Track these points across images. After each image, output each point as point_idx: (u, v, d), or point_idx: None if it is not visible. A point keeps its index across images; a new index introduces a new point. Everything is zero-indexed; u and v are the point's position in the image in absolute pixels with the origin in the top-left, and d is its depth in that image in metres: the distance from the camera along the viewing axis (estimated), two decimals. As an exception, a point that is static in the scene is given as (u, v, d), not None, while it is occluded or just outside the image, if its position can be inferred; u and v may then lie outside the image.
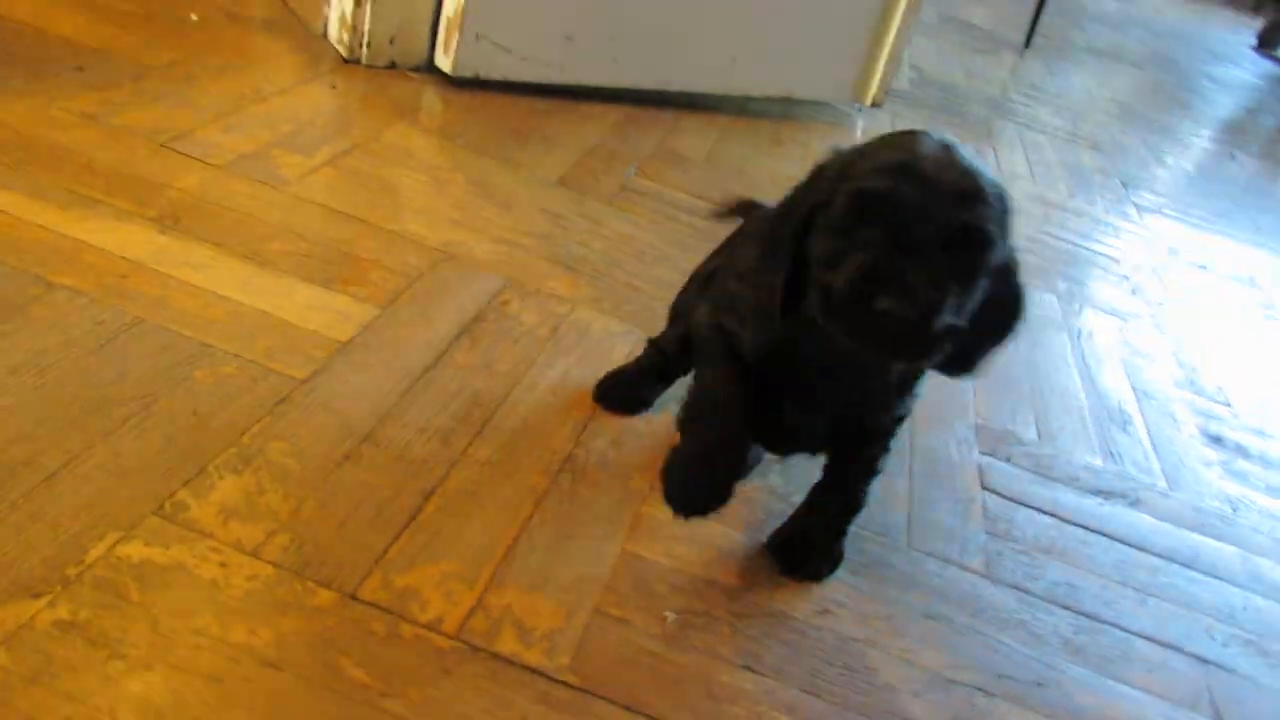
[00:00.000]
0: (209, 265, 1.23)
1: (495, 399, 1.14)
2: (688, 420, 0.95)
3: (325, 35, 1.98)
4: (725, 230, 1.15)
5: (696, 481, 0.91)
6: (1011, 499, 1.25)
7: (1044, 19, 4.31)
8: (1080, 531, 1.24)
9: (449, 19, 1.88)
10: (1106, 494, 1.32)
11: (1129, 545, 1.24)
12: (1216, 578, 1.23)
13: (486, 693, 0.82)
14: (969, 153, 0.79)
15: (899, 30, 2.34)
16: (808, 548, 1.02)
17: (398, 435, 1.05)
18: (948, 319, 0.75)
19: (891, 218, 0.74)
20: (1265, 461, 1.51)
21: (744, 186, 1.82)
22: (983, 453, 1.33)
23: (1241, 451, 1.52)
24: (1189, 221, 2.53)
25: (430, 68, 1.96)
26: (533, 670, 0.85)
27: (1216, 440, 1.53)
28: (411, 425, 1.07)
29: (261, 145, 1.53)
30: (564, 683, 0.85)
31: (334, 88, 1.80)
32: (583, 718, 0.83)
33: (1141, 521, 1.29)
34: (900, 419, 0.97)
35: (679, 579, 0.99)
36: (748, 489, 1.13)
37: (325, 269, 1.28)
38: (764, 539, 1.06)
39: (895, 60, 2.41)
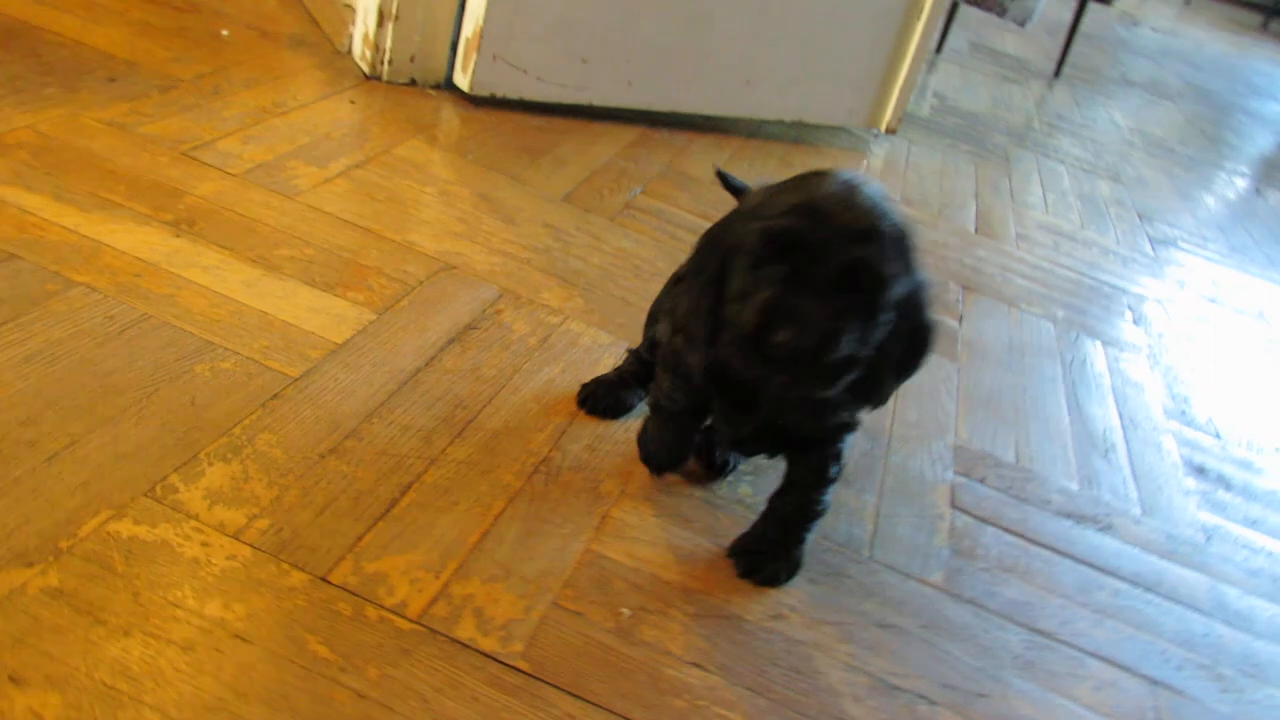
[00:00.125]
0: (218, 268, 1.30)
1: (479, 402, 1.20)
2: (653, 406, 1.10)
3: (349, 53, 2.05)
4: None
5: (661, 447, 1.08)
6: (980, 518, 1.29)
7: (1079, 50, 4.34)
8: (1046, 552, 1.27)
9: (468, 39, 1.95)
10: (1078, 518, 1.35)
11: (1094, 568, 1.27)
12: (1180, 603, 1.26)
13: (440, 673, 0.88)
14: (873, 191, 0.84)
15: (913, 58, 2.39)
16: (765, 553, 1.07)
17: (381, 432, 1.11)
18: (845, 349, 0.81)
19: (793, 256, 0.81)
20: (1247, 493, 1.53)
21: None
22: (958, 473, 1.36)
23: (1223, 482, 1.54)
24: (1203, 255, 2.54)
25: (449, 86, 2.03)
26: (486, 655, 0.90)
27: (1199, 471, 1.56)
28: (396, 423, 1.13)
29: (278, 156, 1.61)
30: (515, 668, 0.90)
31: (353, 103, 1.87)
32: (529, 701, 0.88)
33: (1109, 545, 1.32)
34: (843, 426, 1.01)
35: (639, 578, 1.03)
36: (716, 497, 1.17)
37: (328, 274, 1.34)
38: (728, 545, 1.10)
39: (910, 87, 2.45)
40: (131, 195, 1.39)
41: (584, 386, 1.25)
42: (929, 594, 1.14)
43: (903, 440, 1.38)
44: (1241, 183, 3.39)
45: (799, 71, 2.28)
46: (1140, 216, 2.68)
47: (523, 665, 0.91)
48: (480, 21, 1.92)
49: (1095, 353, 1.82)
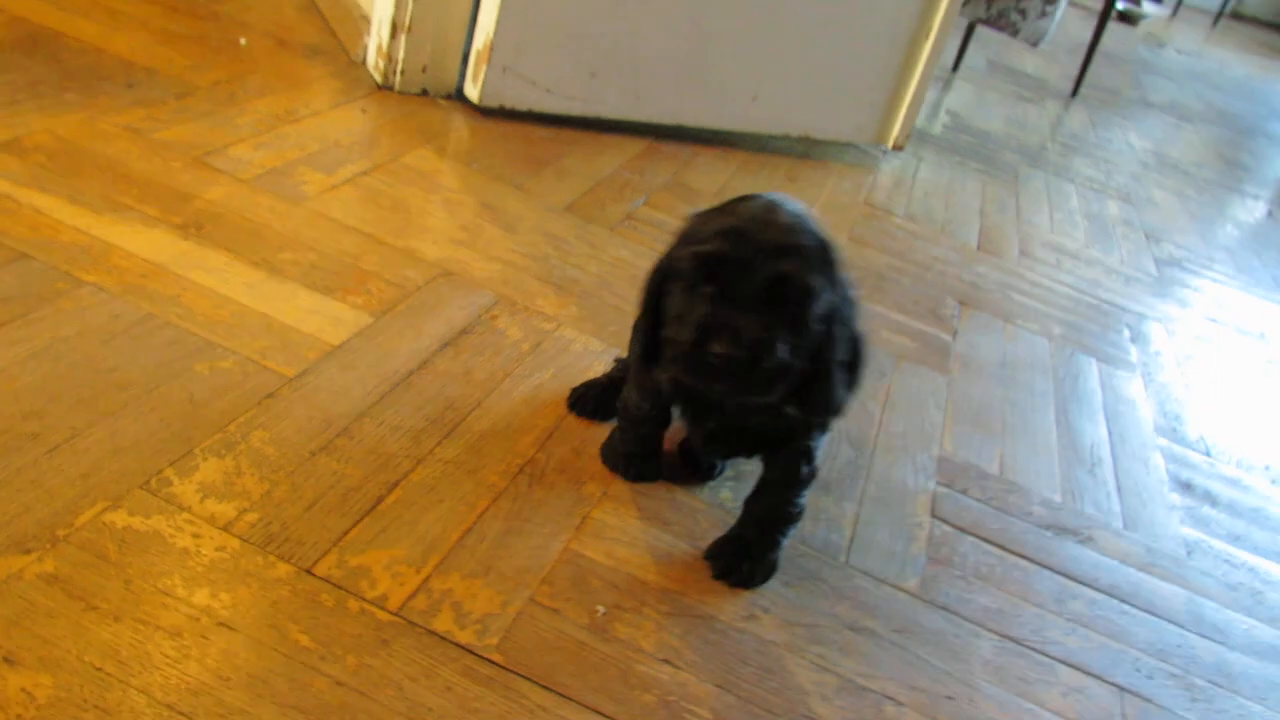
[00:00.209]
0: (222, 270, 1.34)
1: (469, 404, 1.24)
2: (621, 411, 1.17)
3: (364, 63, 2.10)
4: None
5: (625, 456, 1.17)
6: (959, 527, 1.31)
7: (1100, 71, 4.36)
8: (1023, 562, 1.29)
9: (478, 51, 2.00)
10: (1058, 529, 1.37)
11: (1070, 578, 1.29)
12: (1155, 615, 1.28)
13: (416, 663, 0.91)
14: (794, 210, 0.90)
15: (921, 76, 2.42)
16: (740, 555, 1.10)
17: (372, 431, 1.15)
18: (778, 357, 0.87)
19: (722, 275, 0.87)
20: (1233, 510, 1.55)
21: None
22: (940, 483, 1.39)
23: (1209, 498, 1.56)
24: (1209, 276, 2.55)
25: (460, 96, 2.08)
26: (462, 647, 0.94)
27: (1186, 487, 1.57)
28: (387, 423, 1.17)
29: (288, 162, 1.65)
30: (489, 660, 0.93)
31: (364, 111, 1.92)
32: (501, 692, 0.91)
33: (1088, 557, 1.34)
34: (809, 424, 1.04)
35: (615, 577, 1.07)
36: (697, 501, 1.20)
37: (328, 278, 1.38)
38: (705, 548, 1.13)
39: (918, 104, 2.48)
40: (143, 198, 1.44)
41: (574, 390, 1.28)
42: (903, 599, 1.17)
43: (887, 450, 1.41)
44: (1255, 205, 3.39)
45: (806, 88, 2.32)
46: (1147, 237, 2.69)
47: (497, 658, 0.94)
48: (491, 34, 1.97)
49: (1089, 369, 1.84)
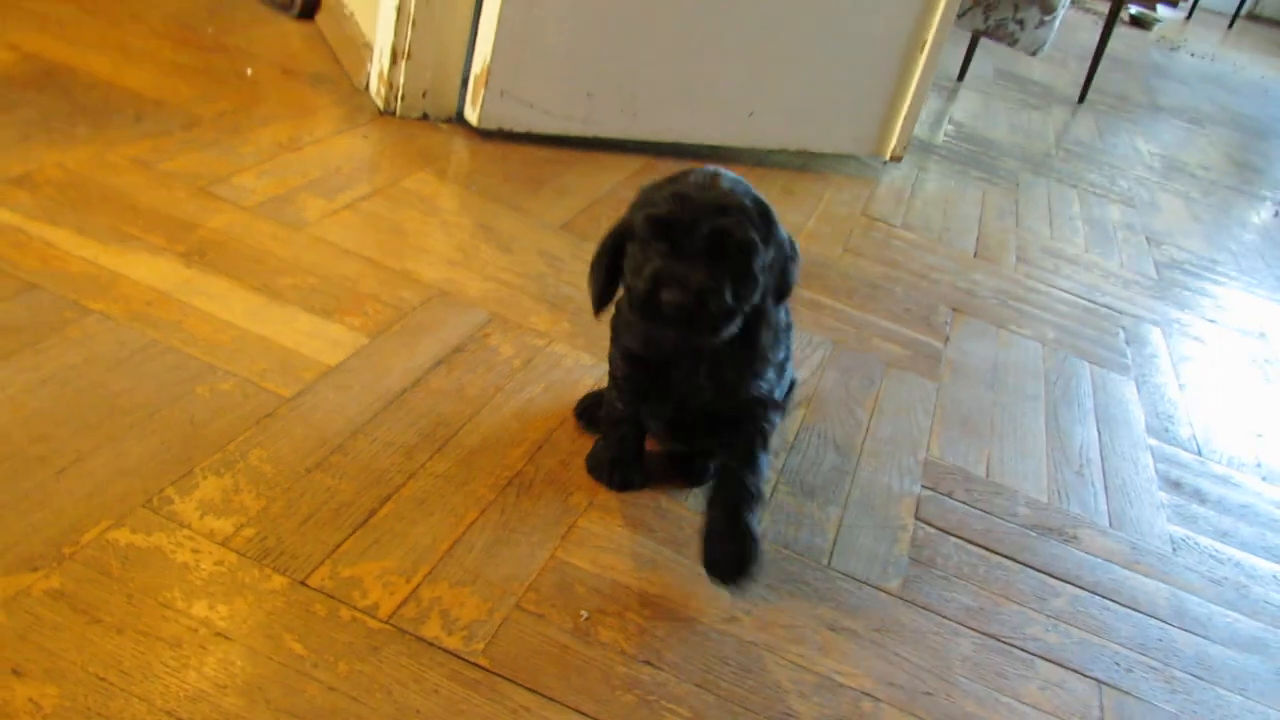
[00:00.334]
0: (224, 296, 1.39)
1: (461, 420, 1.28)
2: (604, 417, 1.24)
3: (367, 89, 2.16)
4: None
5: (611, 471, 1.23)
6: (943, 529, 1.34)
7: (1109, 76, 4.37)
8: (1006, 562, 1.32)
9: (476, 76, 2.05)
10: (1043, 529, 1.40)
11: (1053, 577, 1.32)
12: (1138, 610, 1.30)
13: (405, 668, 0.95)
14: (732, 177, 1.03)
15: (917, 87, 2.45)
16: (720, 545, 1.10)
17: (366, 448, 1.20)
18: (724, 303, 0.99)
19: (671, 233, 0.99)
20: (1221, 507, 1.57)
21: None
22: (925, 486, 1.42)
23: (1198, 496, 1.58)
24: (1209, 277, 2.57)
25: (460, 120, 2.13)
26: (449, 652, 0.98)
27: (1175, 485, 1.60)
28: (380, 440, 1.22)
29: (290, 190, 1.71)
30: (476, 664, 0.97)
31: (366, 137, 1.97)
32: (486, 694, 0.95)
33: (1072, 556, 1.37)
34: (759, 402, 1.12)
35: (600, 583, 1.10)
36: (682, 509, 1.24)
37: (327, 301, 1.43)
38: (688, 554, 1.17)
39: (915, 116, 2.51)
40: (149, 228, 1.49)
41: (580, 400, 1.33)
42: (884, 600, 1.20)
43: (873, 455, 1.44)
44: (1262, 207, 3.40)
45: (802, 102, 2.35)
46: (1149, 240, 2.71)
47: (483, 662, 0.98)
48: (488, 59, 2.02)
49: (1082, 372, 1.86)
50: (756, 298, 1.04)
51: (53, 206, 1.49)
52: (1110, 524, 1.45)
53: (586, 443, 1.29)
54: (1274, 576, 1.44)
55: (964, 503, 1.41)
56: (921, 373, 1.70)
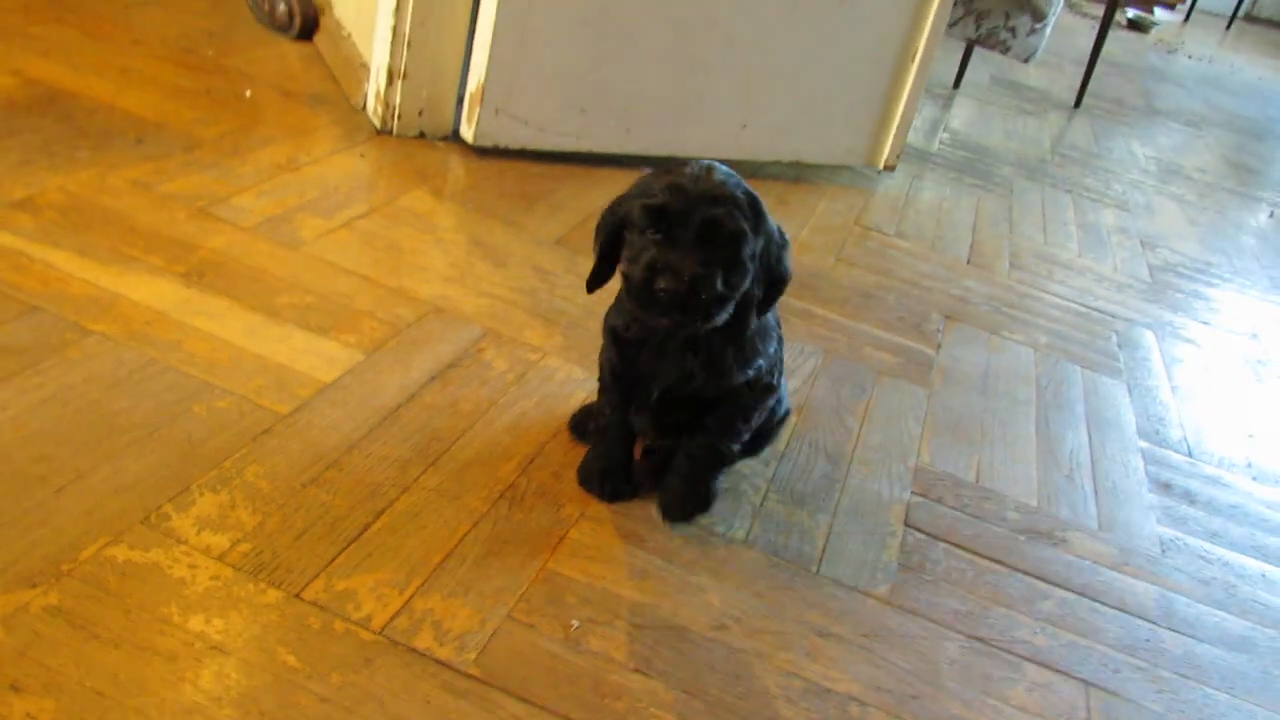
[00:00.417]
0: (222, 315, 1.42)
1: (454, 434, 1.30)
2: (594, 434, 1.28)
3: (364, 109, 2.19)
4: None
5: (601, 481, 1.25)
6: (932, 535, 1.36)
7: (1106, 80, 4.39)
8: (995, 566, 1.34)
9: (471, 94, 2.08)
10: (1032, 533, 1.42)
11: (1042, 580, 1.33)
12: (1126, 612, 1.32)
13: (397, 679, 0.97)
14: (724, 170, 1.07)
15: (909, 97, 2.47)
16: (677, 492, 1.24)
17: (360, 463, 1.22)
18: (716, 290, 1.03)
19: (666, 222, 1.03)
20: (1211, 508, 1.59)
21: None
22: (915, 493, 1.43)
23: (1188, 497, 1.60)
24: (1203, 279, 2.58)
25: (456, 138, 2.16)
26: (441, 663, 1.00)
27: (1165, 487, 1.61)
28: (375, 455, 1.24)
29: (288, 209, 1.73)
30: (467, 674, 0.99)
31: (363, 156, 2.00)
32: (478, 704, 0.97)
33: (1061, 559, 1.38)
34: (748, 385, 1.18)
35: (590, 593, 1.12)
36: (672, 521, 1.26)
37: (323, 319, 1.46)
38: (678, 563, 1.19)
39: (907, 125, 2.53)
40: (149, 249, 1.52)
41: (573, 415, 1.36)
42: (872, 605, 1.21)
43: (863, 463, 1.46)
44: (1257, 208, 3.41)
45: (795, 113, 2.38)
46: (1143, 244, 2.73)
47: (474, 671, 1.00)
48: (483, 78, 2.04)
49: (1073, 377, 1.88)
50: (746, 284, 1.08)
51: (54, 230, 1.51)
52: (1100, 527, 1.47)
53: (578, 455, 1.31)
54: (1263, 576, 1.45)
55: (954, 508, 1.42)
56: (913, 380, 1.72)
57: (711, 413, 1.20)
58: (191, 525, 1.08)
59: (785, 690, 1.07)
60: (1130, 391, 1.89)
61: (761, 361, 1.18)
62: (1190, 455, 1.73)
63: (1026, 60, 3.31)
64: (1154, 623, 1.31)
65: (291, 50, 2.48)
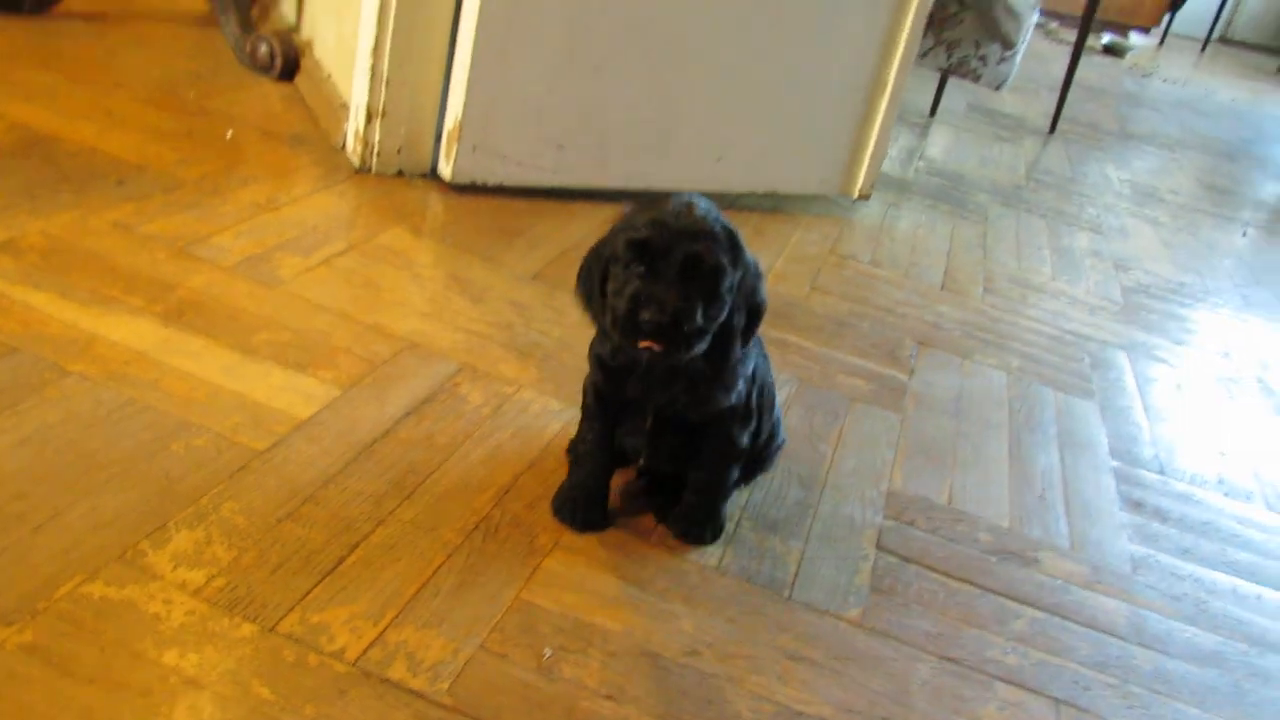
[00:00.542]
0: (200, 354, 1.44)
1: (430, 468, 1.32)
2: (573, 460, 1.31)
3: (344, 148, 2.22)
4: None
5: (575, 510, 1.28)
6: (904, 558, 1.38)
7: (1081, 106, 4.45)
8: (966, 587, 1.35)
9: (449, 132, 2.11)
10: (1004, 554, 1.44)
11: (1013, 600, 1.35)
12: (1097, 630, 1.34)
13: (371, 710, 0.98)
14: (706, 206, 1.12)
15: (881, 127, 2.51)
16: (692, 520, 1.30)
17: (336, 497, 1.23)
18: (696, 322, 1.08)
19: (649, 256, 1.07)
20: (1183, 525, 1.61)
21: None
22: (887, 517, 1.45)
23: (1159, 515, 1.62)
24: (1176, 299, 2.61)
25: (434, 175, 2.19)
26: (414, 693, 1.01)
27: (1137, 505, 1.63)
28: (350, 489, 1.25)
29: (267, 248, 1.76)
30: (439, 704, 1.01)
31: (342, 195, 2.03)
32: (450, 732, 0.98)
33: (1033, 578, 1.40)
34: (732, 412, 1.23)
35: (563, 622, 1.14)
36: (645, 549, 1.28)
37: (300, 356, 1.48)
38: (652, 591, 1.21)
39: (880, 155, 2.57)
40: (128, 290, 1.54)
41: (572, 440, 1.38)
42: (844, 629, 1.23)
43: (836, 489, 1.48)
44: (1230, 228, 3.45)
45: (769, 145, 2.41)
46: (1116, 266, 2.76)
47: (447, 701, 1.01)
48: (460, 116, 2.08)
49: (1046, 399, 1.91)
50: (723, 316, 1.12)
51: (35, 272, 1.53)
52: (1071, 546, 1.49)
53: (552, 486, 1.32)
54: (1234, 590, 1.47)
55: (926, 531, 1.44)
56: (886, 406, 1.74)
57: (701, 437, 1.25)
58: (168, 561, 1.09)
59: (757, 714, 1.08)
60: (1103, 412, 1.91)
61: (742, 384, 1.23)
62: (1162, 473, 1.75)
63: (998, 88, 3.36)
64: (1125, 640, 1.33)
65: (273, 91, 2.52)
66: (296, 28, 2.72)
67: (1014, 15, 3.16)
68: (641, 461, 1.33)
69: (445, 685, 1.02)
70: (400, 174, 2.18)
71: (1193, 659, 1.32)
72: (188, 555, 1.10)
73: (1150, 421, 1.92)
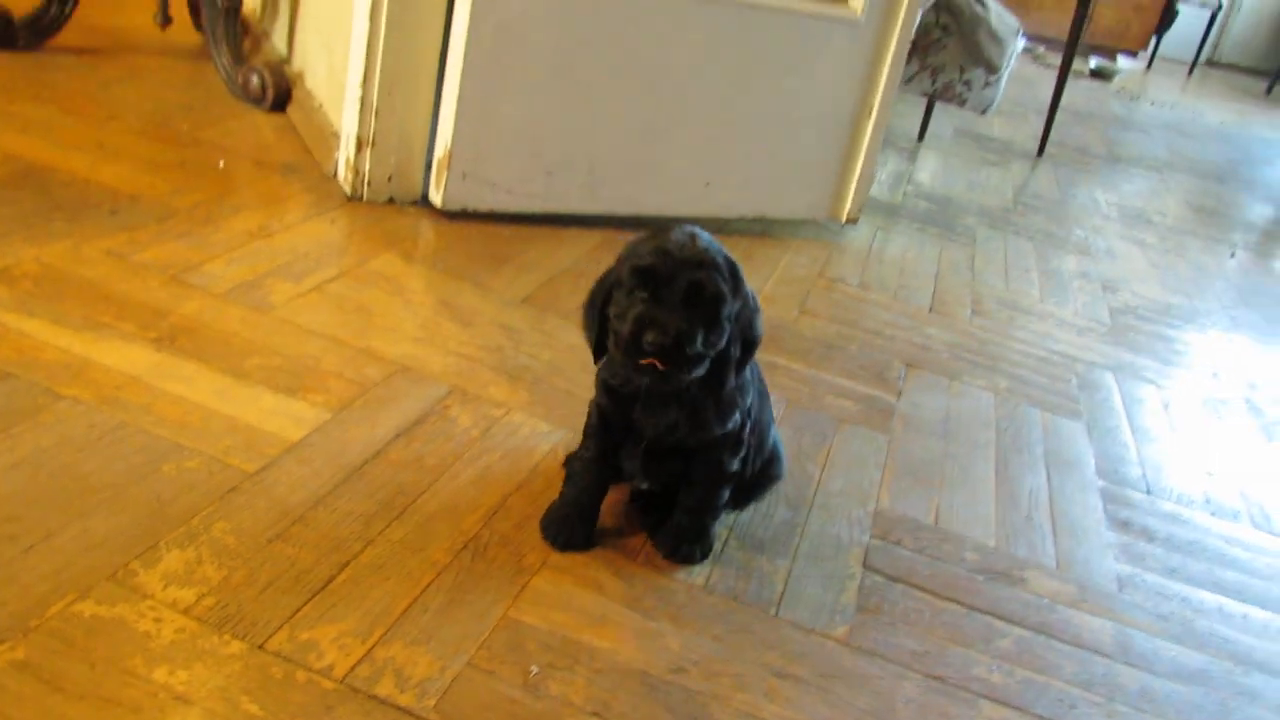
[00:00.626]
0: (192, 379, 1.45)
1: (419, 489, 1.33)
2: (567, 475, 1.33)
3: (335, 176, 2.24)
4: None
5: (559, 530, 1.29)
6: (891, 577, 1.39)
7: (1068, 130, 4.49)
8: (952, 606, 1.36)
9: (439, 160, 2.13)
10: (990, 573, 1.45)
11: (999, 618, 1.36)
12: (1083, 649, 1.34)
13: (358, 726, 0.99)
14: (707, 237, 1.16)
15: (867, 152, 2.54)
16: (681, 539, 1.31)
17: (326, 518, 1.25)
18: (697, 347, 1.12)
19: (653, 283, 1.12)
20: (1169, 544, 1.62)
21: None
22: (874, 536, 1.47)
23: (1146, 534, 1.63)
24: (1163, 320, 2.64)
25: (425, 202, 2.21)
26: (401, 709, 1.02)
27: (1123, 525, 1.65)
28: (340, 510, 1.27)
29: (259, 275, 1.77)
30: (427, 720, 1.02)
31: (333, 223, 2.05)
32: (437, 748, 0.99)
33: (1019, 597, 1.41)
34: (725, 438, 1.26)
35: (551, 639, 1.15)
36: (631, 568, 1.29)
37: (291, 380, 1.49)
38: (639, 609, 1.22)
39: (867, 179, 2.60)
40: (121, 316, 1.56)
41: (570, 454, 1.40)
42: (830, 647, 1.24)
43: (823, 509, 1.49)
44: (1217, 249, 3.48)
45: (756, 171, 2.44)
46: (1104, 287, 2.79)
47: (434, 717, 1.02)
48: (449, 143, 2.10)
49: (1033, 420, 1.92)
50: (722, 343, 1.16)
51: (29, 299, 1.55)
52: (1058, 565, 1.50)
53: (541, 506, 1.34)
54: (1220, 609, 1.48)
55: (912, 550, 1.45)
56: (873, 427, 1.76)
57: (695, 461, 1.28)
58: (158, 581, 1.10)
59: (742, 729, 1.09)
60: (1090, 432, 1.93)
61: (738, 414, 1.26)
62: (1149, 493, 1.76)
63: (983, 112, 3.40)
64: (1111, 658, 1.34)
65: (265, 122, 2.54)
66: (288, 59, 2.76)
67: (997, 40, 3.20)
68: (638, 484, 1.35)
69: (432, 702, 1.03)
70: (391, 201, 2.21)
71: (1179, 678, 1.33)
72: (178, 574, 1.12)
73: (1137, 441, 1.94)
